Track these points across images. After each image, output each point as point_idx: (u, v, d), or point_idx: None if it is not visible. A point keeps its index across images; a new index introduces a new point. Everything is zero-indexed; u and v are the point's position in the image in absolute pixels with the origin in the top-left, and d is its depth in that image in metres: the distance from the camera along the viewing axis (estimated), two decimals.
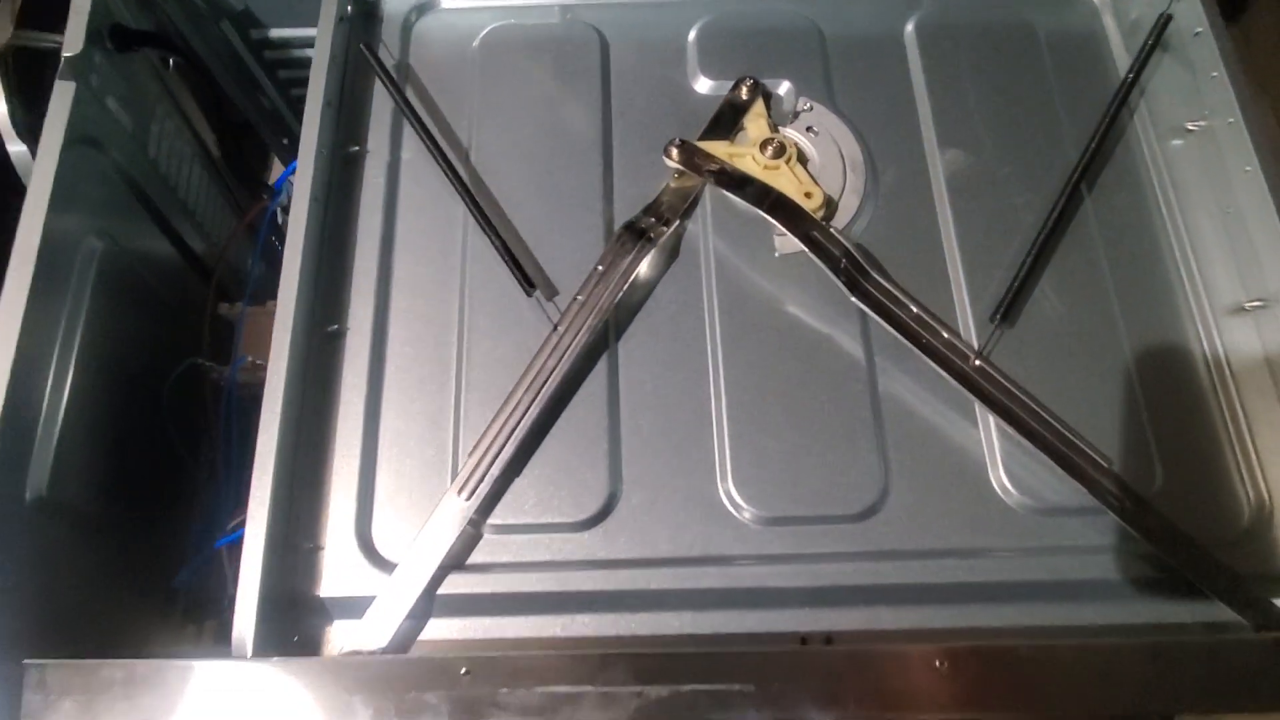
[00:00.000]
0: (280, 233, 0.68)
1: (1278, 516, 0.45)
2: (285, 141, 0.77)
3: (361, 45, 0.57)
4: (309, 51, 0.66)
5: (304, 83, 0.54)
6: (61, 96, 0.49)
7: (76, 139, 0.50)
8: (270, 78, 0.70)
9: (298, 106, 0.73)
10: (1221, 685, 0.37)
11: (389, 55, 0.58)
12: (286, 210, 0.64)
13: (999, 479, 0.45)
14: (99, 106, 0.53)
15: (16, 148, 0.53)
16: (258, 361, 0.58)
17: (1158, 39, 0.54)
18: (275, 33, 0.66)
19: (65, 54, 0.50)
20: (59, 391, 0.48)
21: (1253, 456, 0.46)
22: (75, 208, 0.50)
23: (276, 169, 0.86)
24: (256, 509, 0.42)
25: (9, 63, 0.54)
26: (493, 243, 0.50)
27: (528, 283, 0.49)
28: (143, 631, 0.56)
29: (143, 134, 0.60)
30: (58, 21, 0.52)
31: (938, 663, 0.37)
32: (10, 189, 0.51)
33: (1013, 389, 0.45)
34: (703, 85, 0.57)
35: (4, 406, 0.42)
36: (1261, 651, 0.38)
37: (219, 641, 0.56)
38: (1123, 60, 0.57)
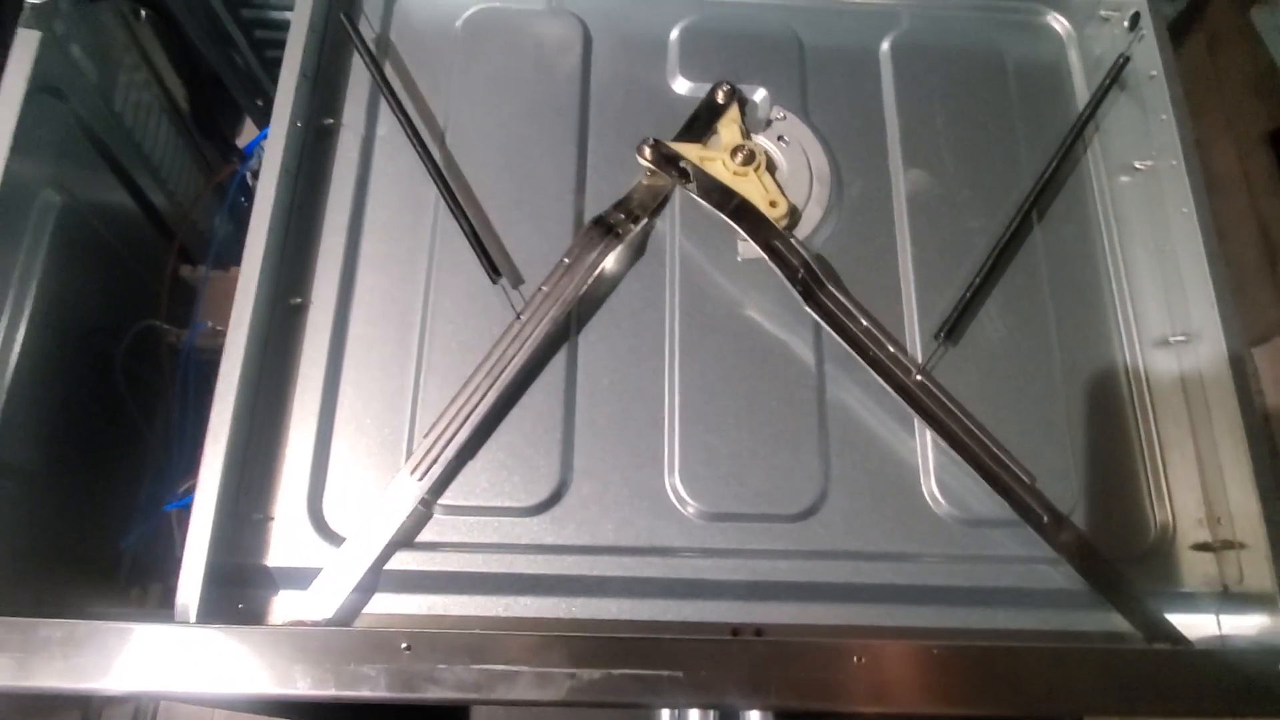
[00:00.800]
0: (250, 197, 0.67)
1: (1179, 538, 0.48)
2: (259, 103, 0.76)
3: (342, 15, 0.56)
4: (288, 14, 0.65)
5: (281, 44, 0.53)
6: (25, 44, 0.48)
7: (38, 88, 0.49)
8: (246, 36, 0.68)
9: (273, 69, 0.72)
10: (1115, 691, 0.40)
11: (370, 28, 0.58)
12: (257, 175, 0.63)
13: (930, 489, 0.48)
14: (63, 55, 0.52)
15: None
16: (217, 327, 0.57)
17: (1115, 78, 0.57)
18: None
19: (30, 0, 0.48)
20: (8, 347, 0.47)
21: (1163, 482, 0.49)
22: (34, 159, 0.49)
23: (249, 129, 0.84)
24: (207, 476, 0.42)
25: None
26: (461, 227, 0.50)
27: (493, 269, 0.49)
28: (87, 593, 0.56)
29: (108, 86, 0.58)
30: None
31: (856, 658, 0.39)
32: None
33: (949, 404, 0.48)
34: (681, 85, 0.58)
35: None
36: (1151, 662, 0.41)
37: (164, 606, 0.56)
38: (1083, 94, 0.60)
